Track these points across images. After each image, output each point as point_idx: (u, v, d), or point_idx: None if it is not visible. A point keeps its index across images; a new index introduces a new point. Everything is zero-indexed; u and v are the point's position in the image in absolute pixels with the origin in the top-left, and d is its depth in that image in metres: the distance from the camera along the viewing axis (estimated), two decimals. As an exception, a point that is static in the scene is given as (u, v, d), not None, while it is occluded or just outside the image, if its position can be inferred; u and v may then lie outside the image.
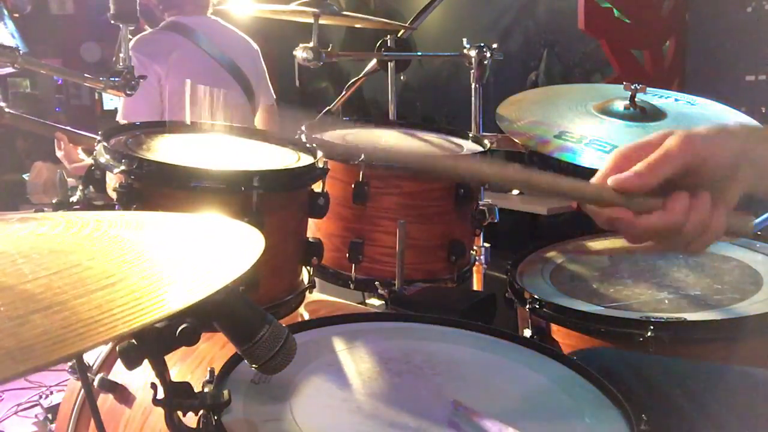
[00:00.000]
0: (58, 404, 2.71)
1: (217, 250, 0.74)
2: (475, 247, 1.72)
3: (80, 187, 1.24)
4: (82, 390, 1.34)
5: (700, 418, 1.00)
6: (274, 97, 3.01)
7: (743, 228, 0.87)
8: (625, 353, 1.21)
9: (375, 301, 2.02)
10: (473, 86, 1.93)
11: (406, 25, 2.14)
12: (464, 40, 1.95)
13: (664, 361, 1.17)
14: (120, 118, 2.55)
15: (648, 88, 1.64)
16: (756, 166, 0.83)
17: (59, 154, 2.24)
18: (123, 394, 1.31)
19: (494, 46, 1.93)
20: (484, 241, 1.78)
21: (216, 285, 0.61)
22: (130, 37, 1.78)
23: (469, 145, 1.71)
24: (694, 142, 0.81)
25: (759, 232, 1.73)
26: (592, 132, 1.55)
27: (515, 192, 3.99)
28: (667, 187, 0.81)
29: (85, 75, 1.95)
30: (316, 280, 1.46)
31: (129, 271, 0.61)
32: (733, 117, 1.67)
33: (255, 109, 2.87)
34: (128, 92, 1.84)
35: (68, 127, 2.21)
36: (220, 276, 0.63)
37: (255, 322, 0.81)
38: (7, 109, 1.98)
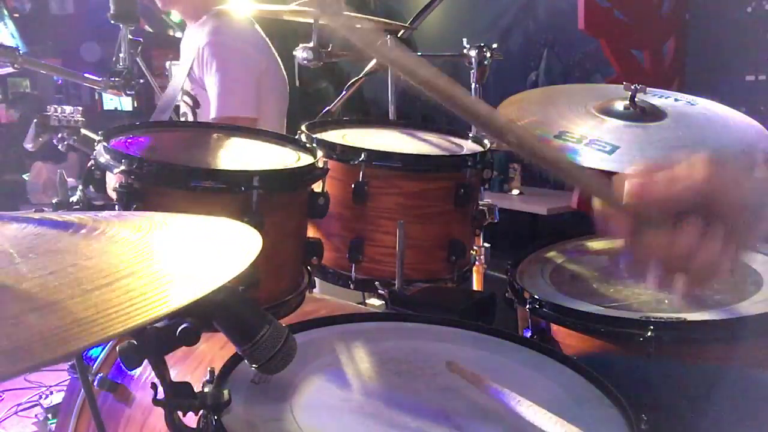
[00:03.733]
0: (58, 404, 2.72)
1: (215, 250, 0.74)
2: (475, 247, 1.72)
3: (80, 187, 1.24)
4: (82, 390, 1.34)
5: (698, 420, 1.00)
6: None
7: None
8: (622, 358, 1.21)
9: (375, 301, 2.02)
10: (473, 86, 1.94)
11: (406, 25, 2.14)
12: (464, 40, 1.95)
13: (662, 364, 1.17)
14: (216, 114, 2.36)
15: (648, 88, 1.64)
16: None
17: None
18: (123, 394, 1.31)
19: (494, 46, 1.93)
20: (484, 241, 1.78)
21: (212, 285, 0.60)
22: (130, 37, 1.77)
23: (469, 145, 1.71)
24: (718, 173, 0.77)
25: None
26: (592, 132, 1.55)
27: (515, 192, 3.99)
28: (681, 210, 0.77)
29: (85, 75, 1.95)
30: (316, 280, 1.46)
31: (126, 271, 0.61)
32: (733, 117, 1.67)
33: None
34: (128, 92, 1.85)
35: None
36: (216, 276, 0.63)
37: (255, 322, 0.81)
38: (83, 131, 1.94)
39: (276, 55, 2.58)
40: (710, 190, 0.76)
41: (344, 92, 2.24)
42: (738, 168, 0.79)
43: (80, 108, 1.94)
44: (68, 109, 1.92)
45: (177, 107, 2.53)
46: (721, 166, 0.78)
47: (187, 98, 2.54)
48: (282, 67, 2.62)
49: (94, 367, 1.37)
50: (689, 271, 0.77)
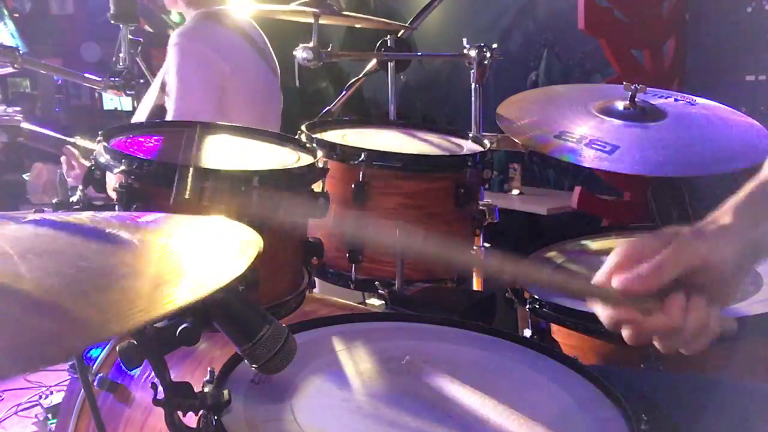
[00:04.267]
0: (58, 404, 2.72)
1: (215, 250, 0.74)
2: (475, 247, 1.72)
3: (80, 187, 1.24)
4: (82, 390, 1.34)
5: (692, 428, 1.00)
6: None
7: (731, 327, 0.88)
8: (616, 369, 1.21)
9: (375, 301, 2.02)
10: (473, 86, 1.93)
11: (406, 25, 2.14)
12: (464, 40, 1.95)
13: (656, 375, 1.17)
14: (172, 119, 2.26)
15: (648, 88, 1.64)
16: (757, 254, 0.86)
17: (72, 173, 2.01)
18: (123, 394, 1.31)
19: (494, 46, 1.93)
20: (484, 241, 1.78)
21: (212, 286, 0.60)
22: (130, 37, 1.77)
23: (469, 145, 1.71)
24: (698, 249, 0.82)
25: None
26: (592, 132, 1.55)
27: (515, 192, 3.99)
28: (666, 287, 0.82)
29: (85, 75, 1.95)
30: (316, 280, 1.45)
31: (125, 272, 0.61)
32: (733, 117, 1.67)
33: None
34: (128, 92, 1.84)
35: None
36: (216, 277, 0.63)
37: (255, 322, 0.81)
38: (23, 125, 1.93)
39: (258, 58, 2.48)
40: (689, 267, 0.81)
41: (344, 92, 2.24)
42: (711, 238, 0.84)
43: (19, 108, 1.94)
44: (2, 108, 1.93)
45: (162, 107, 2.48)
46: (695, 244, 0.83)
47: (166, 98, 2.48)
48: (272, 69, 2.56)
49: (94, 367, 1.37)
50: (682, 341, 0.83)
